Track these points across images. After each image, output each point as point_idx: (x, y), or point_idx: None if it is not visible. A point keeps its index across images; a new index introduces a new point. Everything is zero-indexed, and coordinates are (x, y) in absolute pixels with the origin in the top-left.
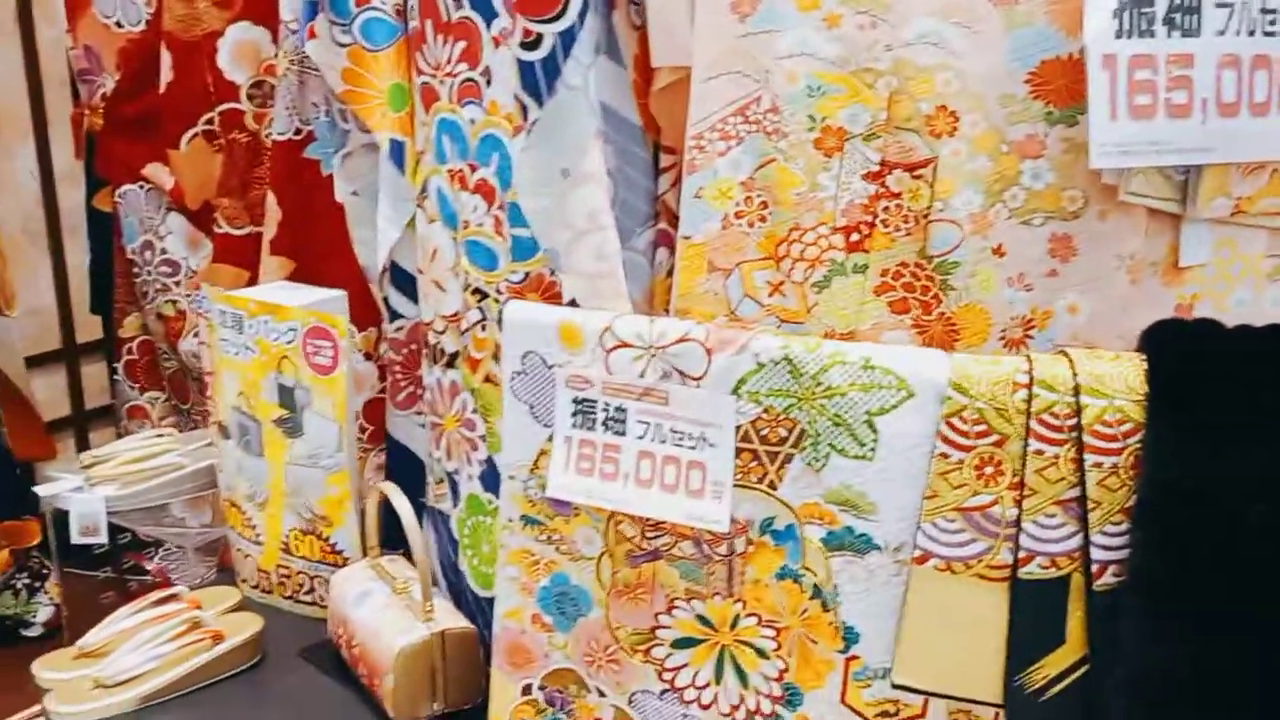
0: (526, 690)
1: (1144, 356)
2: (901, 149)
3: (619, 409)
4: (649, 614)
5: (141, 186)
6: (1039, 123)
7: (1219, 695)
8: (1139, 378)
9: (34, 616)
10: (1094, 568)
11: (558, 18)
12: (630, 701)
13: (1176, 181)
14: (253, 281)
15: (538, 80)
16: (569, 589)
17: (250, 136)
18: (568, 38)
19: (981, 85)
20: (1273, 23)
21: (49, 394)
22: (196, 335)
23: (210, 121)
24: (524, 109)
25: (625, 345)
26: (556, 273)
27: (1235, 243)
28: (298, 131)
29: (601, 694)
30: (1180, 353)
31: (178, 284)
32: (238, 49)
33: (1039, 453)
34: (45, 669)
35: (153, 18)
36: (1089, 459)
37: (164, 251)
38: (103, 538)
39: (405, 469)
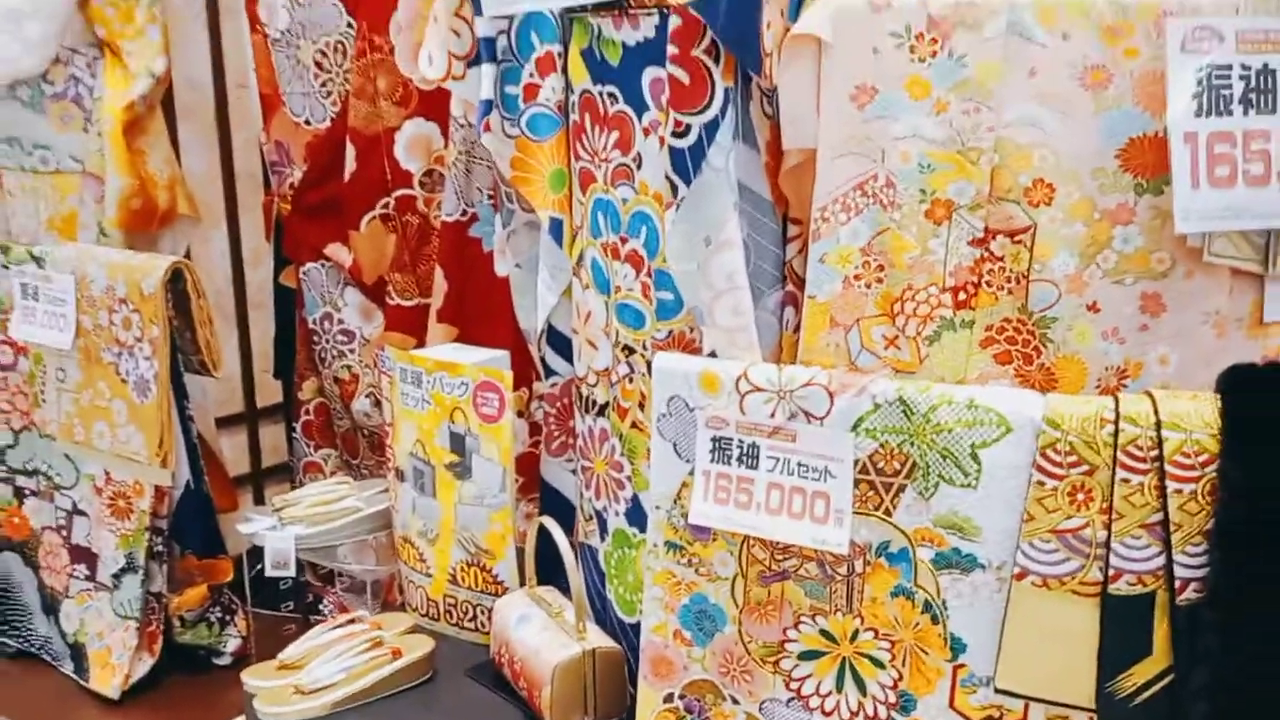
0: (668, 699)
1: (1218, 395)
2: (1003, 217)
3: (752, 445)
4: (778, 629)
5: (322, 265)
6: (1128, 193)
7: None
8: (1214, 414)
9: (224, 646)
10: (1177, 584)
11: (704, 110)
12: (761, 709)
13: (1257, 244)
14: (420, 347)
15: (686, 163)
16: (707, 607)
17: (421, 219)
18: (712, 127)
19: (1075, 161)
20: None
21: (231, 453)
22: (369, 396)
23: (386, 205)
24: (674, 187)
25: (758, 390)
26: (697, 328)
27: None
28: (464, 213)
29: (735, 701)
30: (1251, 392)
31: (353, 351)
32: (412, 142)
33: (1125, 480)
34: (252, 678)
35: (337, 116)
36: (1170, 486)
37: (341, 322)
38: (291, 570)
39: (556, 510)
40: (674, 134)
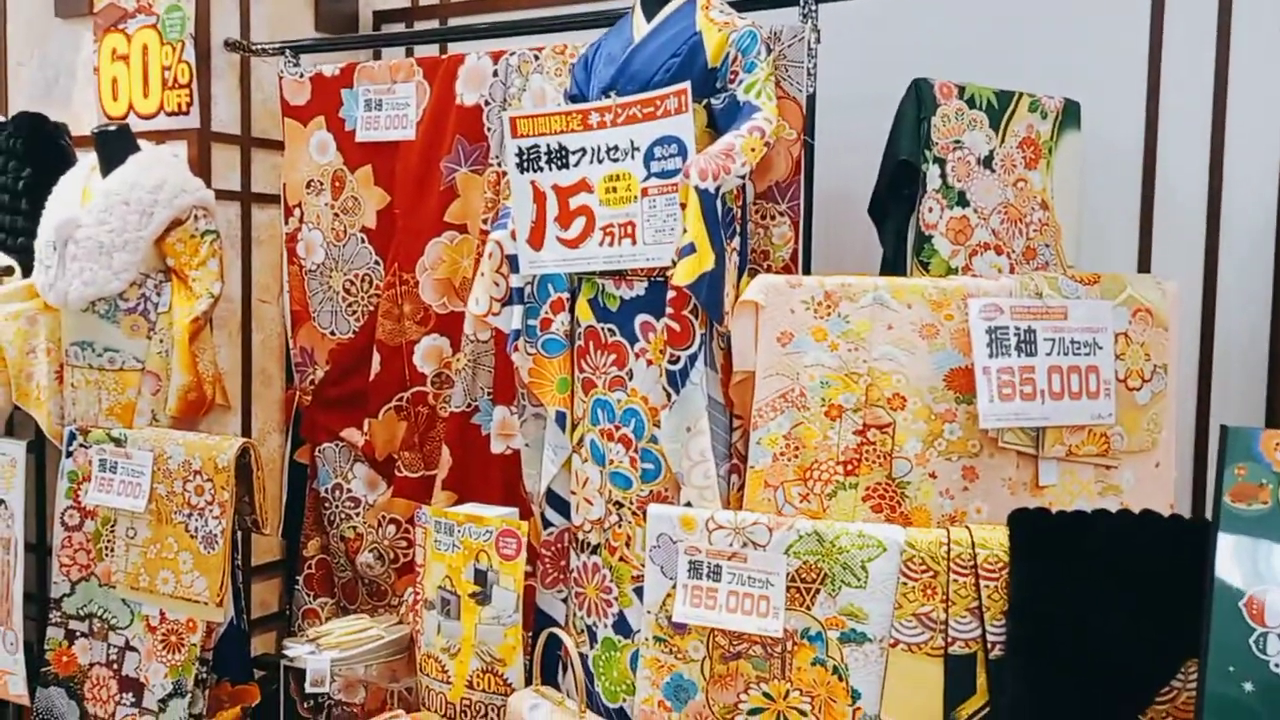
0: None
1: (1008, 527)
2: (875, 417)
3: (716, 565)
4: (734, 694)
5: (336, 444)
6: (952, 403)
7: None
8: (1006, 539)
9: None
10: (989, 646)
11: (688, 347)
12: None
13: (1032, 435)
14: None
15: (677, 380)
16: (683, 683)
17: (429, 410)
18: (693, 358)
19: (918, 382)
20: (1078, 350)
21: None
22: (372, 550)
23: (401, 399)
24: (668, 395)
25: (721, 528)
26: (671, 487)
27: (1074, 472)
28: (469, 406)
29: None
30: (1026, 526)
31: (358, 514)
32: (428, 351)
33: (955, 580)
34: None
35: (360, 329)
36: (982, 583)
37: (349, 491)
38: (327, 687)
39: None
40: (669, 362)
